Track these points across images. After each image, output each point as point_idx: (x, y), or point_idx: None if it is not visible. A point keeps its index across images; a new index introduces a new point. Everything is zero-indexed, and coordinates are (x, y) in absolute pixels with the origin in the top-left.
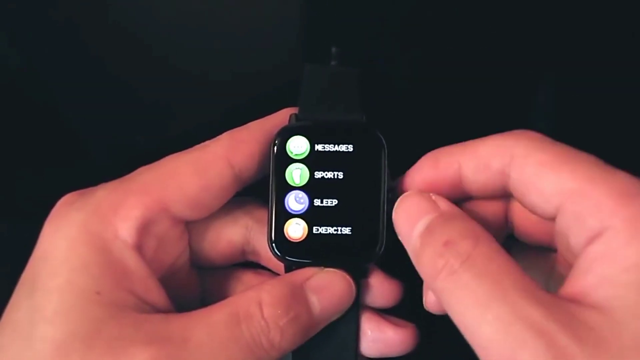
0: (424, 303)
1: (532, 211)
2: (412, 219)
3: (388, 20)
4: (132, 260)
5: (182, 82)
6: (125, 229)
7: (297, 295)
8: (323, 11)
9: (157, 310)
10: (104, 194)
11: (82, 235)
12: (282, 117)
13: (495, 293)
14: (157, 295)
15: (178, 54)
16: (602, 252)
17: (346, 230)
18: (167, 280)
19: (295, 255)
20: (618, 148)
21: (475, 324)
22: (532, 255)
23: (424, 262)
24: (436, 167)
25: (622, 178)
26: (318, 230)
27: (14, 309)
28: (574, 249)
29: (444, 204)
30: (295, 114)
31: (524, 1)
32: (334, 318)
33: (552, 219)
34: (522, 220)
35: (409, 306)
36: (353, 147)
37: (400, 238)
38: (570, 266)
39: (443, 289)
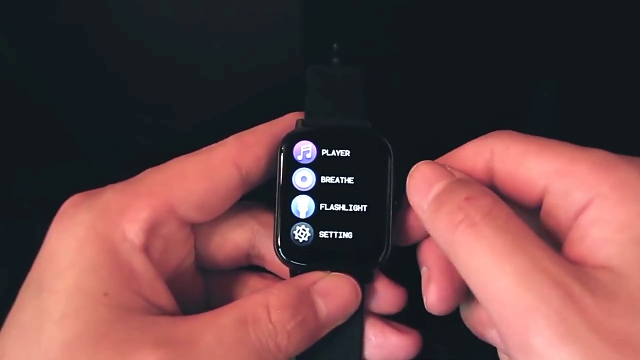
0: (424, 303)
1: (519, 203)
2: (428, 182)
3: (388, 20)
4: (139, 262)
5: (182, 82)
6: (132, 230)
7: (304, 299)
8: (323, 10)
9: (164, 312)
10: (111, 195)
11: (90, 237)
12: (288, 120)
13: (516, 246)
14: (164, 297)
15: (178, 54)
16: (594, 218)
17: (352, 236)
18: (173, 282)
19: (300, 259)
20: (618, 148)
21: (492, 277)
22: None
23: (441, 215)
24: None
25: (600, 153)
26: (324, 235)
27: (21, 310)
28: (564, 225)
29: (460, 173)
30: (302, 120)
31: (524, 2)
32: (340, 322)
33: (538, 207)
34: None
35: (413, 313)
36: (359, 153)
37: (411, 201)
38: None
39: (461, 241)
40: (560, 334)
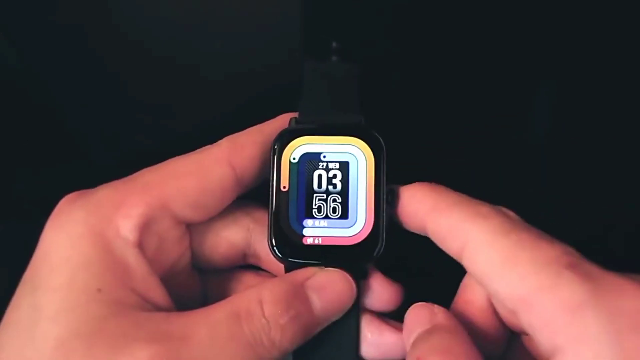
0: None
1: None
2: (409, 329)
3: (388, 20)
4: (133, 258)
5: (182, 82)
6: (126, 227)
7: (298, 294)
8: (323, 10)
9: (158, 308)
10: (105, 192)
11: (84, 233)
12: (282, 121)
13: None
14: (158, 293)
15: (178, 54)
16: None
17: (346, 232)
18: (168, 281)
19: (295, 256)
20: (618, 149)
21: None
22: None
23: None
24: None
25: (570, 283)
26: (318, 231)
27: (16, 308)
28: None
29: (442, 317)
30: (295, 118)
31: (525, 2)
32: (335, 318)
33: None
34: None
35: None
36: (352, 150)
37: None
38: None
39: None
40: None
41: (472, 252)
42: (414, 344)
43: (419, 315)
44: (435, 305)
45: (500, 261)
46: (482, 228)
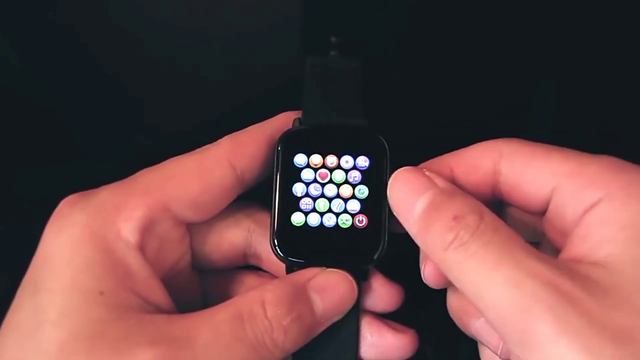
0: (422, 275)
1: (523, 206)
2: (411, 196)
3: (388, 20)
4: (135, 261)
5: (182, 82)
6: (128, 229)
7: (300, 295)
8: (323, 10)
9: (160, 310)
10: (106, 194)
11: (85, 236)
12: (282, 120)
13: (504, 256)
14: (160, 295)
15: (178, 54)
16: (599, 217)
17: (348, 232)
18: (169, 282)
19: (297, 256)
20: (618, 149)
21: (486, 288)
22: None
23: (432, 235)
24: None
25: (608, 157)
26: (320, 231)
27: (18, 310)
28: (569, 225)
29: (440, 181)
30: (299, 118)
31: (525, 3)
32: (336, 319)
33: (542, 212)
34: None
35: (409, 311)
36: (355, 151)
37: (397, 215)
38: (560, 233)
39: (453, 259)
40: (557, 330)
41: (512, 151)
42: (435, 206)
43: (417, 180)
44: (424, 169)
45: (543, 151)
46: (519, 140)
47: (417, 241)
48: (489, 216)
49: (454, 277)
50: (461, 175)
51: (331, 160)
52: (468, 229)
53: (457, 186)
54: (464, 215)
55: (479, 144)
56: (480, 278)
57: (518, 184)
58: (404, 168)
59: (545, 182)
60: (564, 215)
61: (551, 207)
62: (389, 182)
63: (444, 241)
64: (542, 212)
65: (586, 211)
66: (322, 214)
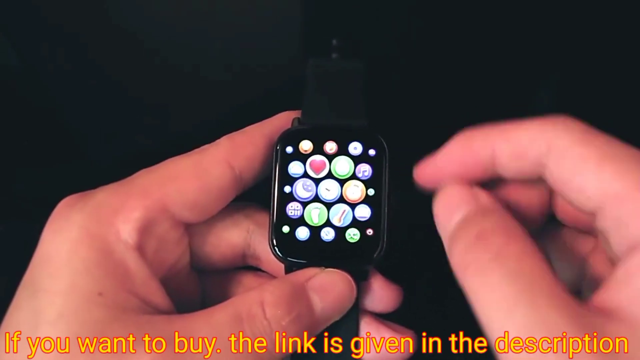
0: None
1: (570, 204)
2: (450, 209)
3: (388, 21)
4: (133, 262)
5: (182, 82)
6: (126, 230)
7: (299, 295)
8: (323, 10)
9: (159, 311)
10: (104, 195)
11: (84, 237)
12: (281, 120)
13: (523, 296)
14: (159, 296)
15: (178, 54)
16: None
17: (348, 233)
18: (168, 282)
19: (296, 256)
20: None
21: (498, 326)
22: (571, 235)
23: (454, 253)
24: (469, 149)
25: None
26: (319, 232)
27: (16, 311)
28: (613, 250)
29: (484, 197)
30: (298, 118)
31: (526, 3)
32: (335, 319)
33: (593, 214)
34: (563, 207)
35: (408, 312)
36: (355, 151)
37: (438, 228)
38: (608, 258)
39: (470, 284)
40: None
41: (563, 149)
42: (465, 221)
43: (460, 194)
44: (474, 185)
45: (597, 157)
46: (575, 127)
47: (447, 254)
48: (518, 241)
49: (469, 296)
50: (504, 159)
51: None
52: (488, 250)
53: (499, 170)
54: (487, 236)
55: (527, 125)
56: (495, 314)
57: (564, 186)
58: (452, 183)
59: (592, 198)
60: (608, 241)
61: (597, 223)
62: (437, 194)
63: (463, 261)
64: (592, 214)
65: (631, 249)
66: None
